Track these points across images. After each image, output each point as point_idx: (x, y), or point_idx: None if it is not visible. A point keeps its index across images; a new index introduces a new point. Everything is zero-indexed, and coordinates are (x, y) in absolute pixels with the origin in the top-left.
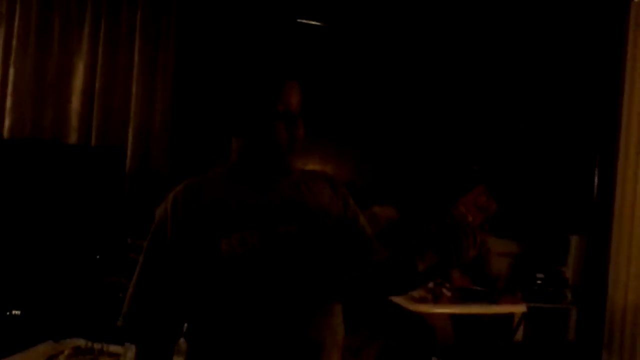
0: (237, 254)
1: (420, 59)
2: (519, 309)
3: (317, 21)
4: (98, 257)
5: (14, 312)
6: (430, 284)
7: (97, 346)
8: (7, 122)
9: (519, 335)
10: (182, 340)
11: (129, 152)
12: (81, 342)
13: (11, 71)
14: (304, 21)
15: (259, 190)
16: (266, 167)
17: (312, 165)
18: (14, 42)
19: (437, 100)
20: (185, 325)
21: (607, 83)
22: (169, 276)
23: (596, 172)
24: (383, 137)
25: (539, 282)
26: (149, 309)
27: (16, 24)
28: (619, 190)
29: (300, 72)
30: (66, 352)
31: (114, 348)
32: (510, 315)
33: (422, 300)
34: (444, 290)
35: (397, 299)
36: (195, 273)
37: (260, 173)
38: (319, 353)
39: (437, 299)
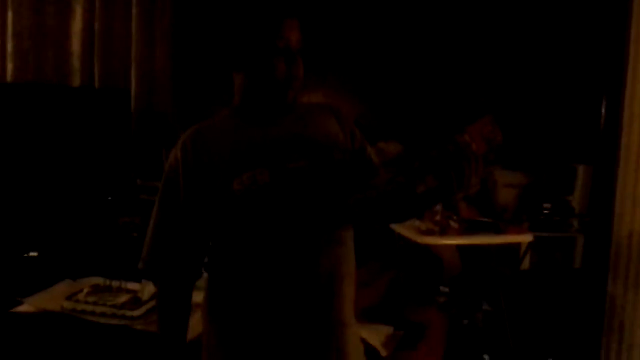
0: (250, 191)
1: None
2: (526, 238)
3: None
4: (110, 198)
5: (31, 253)
6: (437, 217)
7: (115, 283)
8: (9, 67)
9: (526, 263)
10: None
11: (132, 93)
12: (99, 280)
13: (9, 15)
14: None
15: (265, 128)
16: (268, 103)
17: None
18: None
19: (443, 36)
20: (206, 260)
21: (615, 12)
22: (184, 220)
23: (603, 102)
24: (388, 73)
25: (545, 211)
26: (167, 252)
27: None
28: (626, 120)
29: (302, 9)
30: (85, 290)
31: (131, 285)
32: (517, 245)
33: (429, 232)
34: (451, 222)
35: (406, 232)
36: (209, 214)
37: (263, 110)
38: (332, 282)
39: (444, 231)
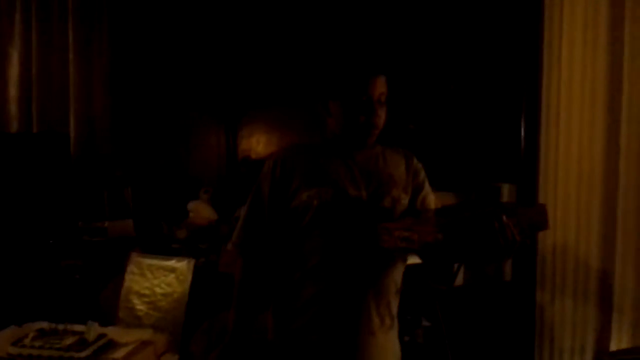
0: (314, 204)
1: (360, 25)
2: None
3: None
4: (51, 241)
5: None
6: None
7: (60, 326)
8: None
9: (459, 280)
10: None
11: (71, 137)
12: (45, 325)
13: None
14: None
15: (343, 160)
16: (350, 143)
17: (257, 135)
18: None
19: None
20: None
21: (528, 40)
22: (266, 216)
23: (522, 125)
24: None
25: None
26: (252, 238)
27: None
28: (543, 140)
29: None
30: (31, 335)
31: (77, 327)
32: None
33: None
34: None
35: None
36: (284, 215)
37: (345, 147)
38: (379, 295)
39: None
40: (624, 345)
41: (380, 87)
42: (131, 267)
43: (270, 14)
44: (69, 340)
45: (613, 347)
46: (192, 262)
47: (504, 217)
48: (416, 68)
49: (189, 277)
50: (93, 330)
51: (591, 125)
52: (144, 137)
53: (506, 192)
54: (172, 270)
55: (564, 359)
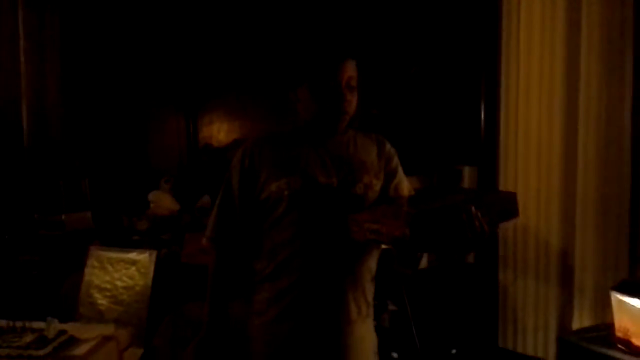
0: (284, 195)
1: (318, 14)
2: None
3: None
4: (7, 236)
5: None
6: None
7: (19, 324)
8: None
9: (424, 262)
10: None
11: (24, 126)
12: (2, 323)
13: None
14: None
15: (313, 147)
16: (319, 129)
17: (219, 123)
18: None
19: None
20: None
21: (487, 23)
22: (237, 208)
23: (482, 107)
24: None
25: None
26: (225, 231)
27: None
28: (502, 123)
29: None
30: None
31: (36, 324)
32: None
33: None
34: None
35: None
36: (255, 207)
37: (316, 133)
38: (355, 283)
39: None
40: (586, 323)
41: (350, 70)
42: (91, 261)
43: (233, 5)
44: (28, 338)
45: (575, 325)
46: (154, 253)
47: (473, 209)
48: (377, 52)
49: (151, 269)
50: (53, 326)
51: (549, 107)
52: (102, 126)
53: (467, 174)
54: (134, 262)
55: (528, 338)
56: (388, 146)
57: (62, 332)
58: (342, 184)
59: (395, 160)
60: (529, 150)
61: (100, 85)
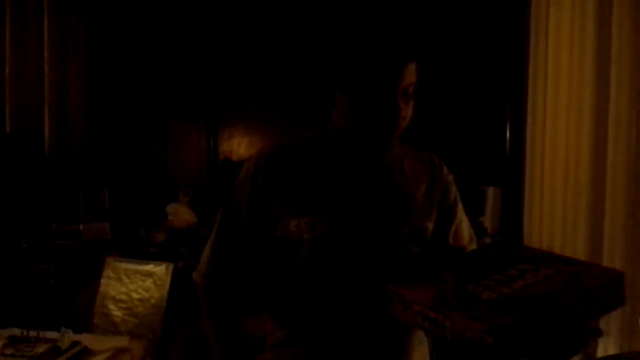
0: (303, 238)
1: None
2: None
3: None
4: (24, 245)
5: None
6: None
7: (32, 334)
8: None
9: None
10: None
11: (46, 136)
12: (16, 331)
13: None
14: None
15: (349, 168)
16: (359, 144)
17: (239, 137)
18: None
19: None
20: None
21: (514, 41)
22: (242, 242)
23: (507, 127)
24: (310, 107)
25: None
26: (222, 271)
27: None
28: (528, 143)
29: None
30: (1, 342)
31: (50, 334)
32: None
33: None
34: None
35: None
36: (264, 246)
37: (352, 148)
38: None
39: None
40: (612, 351)
41: (410, 76)
42: (107, 272)
43: (253, 13)
44: (42, 348)
45: (600, 353)
46: (171, 266)
47: (579, 306)
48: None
49: (168, 282)
50: (67, 337)
51: (578, 127)
52: (122, 138)
53: (491, 195)
54: (150, 274)
55: None
56: (445, 171)
57: (76, 343)
58: (381, 226)
59: (454, 192)
60: (556, 171)
61: (122, 96)
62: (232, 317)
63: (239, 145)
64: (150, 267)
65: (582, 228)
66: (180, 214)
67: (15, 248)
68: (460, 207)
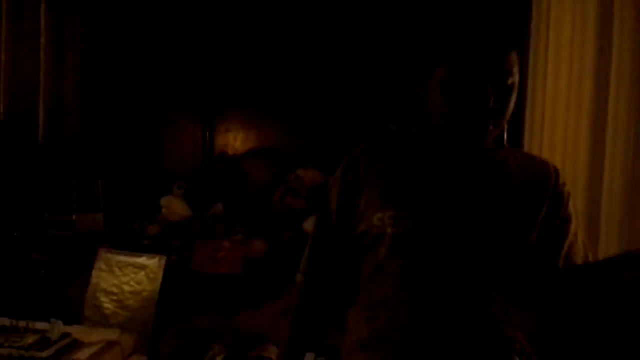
0: (386, 233)
1: (336, 22)
2: None
3: None
4: (16, 234)
5: None
6: None
7: (22, 324)
8: None
9: None
10: None
11: (40, 123)
12: (6, 322)
13: None
14: None
15: (442, 164)
16: (456, 141)
17: (235, 131)
18: None
19: (355, 66)
20: None
21: (514, 40)
22: (335, 239)
23: (505, 131)
24: (307, 101)
25: None
26: (320, 267)
27: None
28: (527, 141)
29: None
30: None
31: (39, 325)
32: None
33: None
34: None
35: None
36: (352, 241)
37: (450, 145)
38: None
39: None
40: None
41: (516, 64)
42: (99, 264)
43: (254, 5)
44: (31, 339)
45: None
46: (164, 259)
47: None
48: (398, 68)
49: (160, 275)
50: (57, 329)
51: (576, 130)
52: (117, 128)
53: None
54: (143, 267)
55: None
56: (561, 182)
57: (66, 335)
58: (470, 227)
59: (568, 207)
60: None
61: (118, 86)
62: (318, 325)
63: (236, 139)
64: (143, 260)
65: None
66: (175, 207)
67: (6, 237)
68: (574, 225)
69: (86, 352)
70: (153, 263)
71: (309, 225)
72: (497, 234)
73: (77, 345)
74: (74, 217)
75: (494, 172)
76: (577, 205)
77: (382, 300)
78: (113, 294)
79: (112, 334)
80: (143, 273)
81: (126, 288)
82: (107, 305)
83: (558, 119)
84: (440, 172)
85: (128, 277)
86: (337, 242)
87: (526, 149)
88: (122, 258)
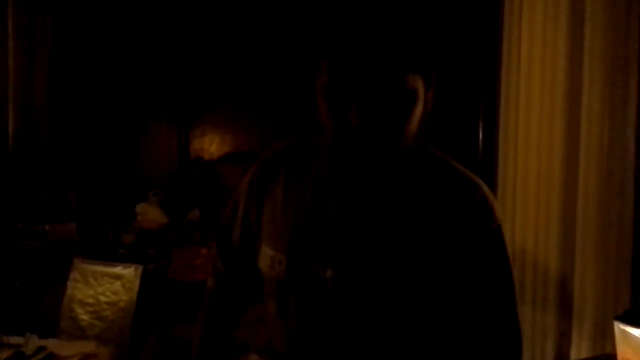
0: (269, 275)
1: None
2: None
3: None
4: None
5: None
6: None
7: None
8: None
9: None
10: None
11: (10, 131)
12: None
13: None
14: None
15: (341, 188)
16: (342, 156)
17: (210, 135)
18: None
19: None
20: None
21: (486, 39)
22: (239, 247)
23: (480, 128)
24: (282, 106)
25: None
26: (230, 272)
27: None
28: (501, 144)
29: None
30: None
31: (14, 339)
32: None
33: None
34: None
35: None
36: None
37: (340, 157)
38: None
39: None
40: (584, 354)
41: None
42: (74, 274)
43: (225, 9)
44: (5, 354)
45: (573, 356)
46: (140, 268)
47: None
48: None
49: (137, 285)
50: (32, 342)
51: (550, 129)
52: (90, 134)
53: None
54: (118, 277)
55: None
56: (488, 222)
57: (41, 349)
58: (343, 280)
59: (492, 261)
60: (528, 172)
61: (90, 91)
62: (229, 323)
63: (211, 143)
64: (118, 270)
65: (555, 230)
66: (150, 214)
67: None
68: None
69: None
70: (129, 272)
71: None
72: (382, 294)
73: (53, 358)
74: (47, 227)
75: (395, 204)
76: (552, 204)
77: (271, 320)
78: (89, 304)
79: (89, 346)
80: (119, 283)
81: (102, 298)
82: (83, 316)
83: (532, 119)
84: (328, 205)
85: (104, 287)
86: (241, 261)
87: (501, 149)
88: (97, 268)
